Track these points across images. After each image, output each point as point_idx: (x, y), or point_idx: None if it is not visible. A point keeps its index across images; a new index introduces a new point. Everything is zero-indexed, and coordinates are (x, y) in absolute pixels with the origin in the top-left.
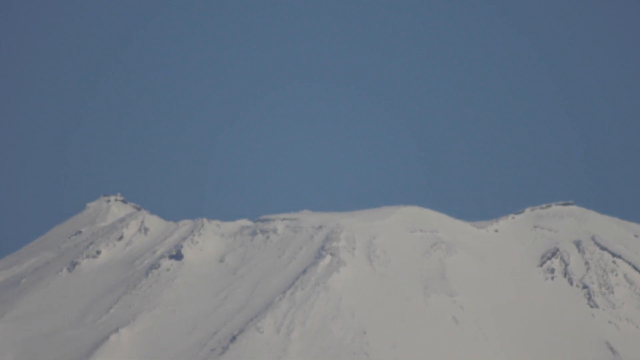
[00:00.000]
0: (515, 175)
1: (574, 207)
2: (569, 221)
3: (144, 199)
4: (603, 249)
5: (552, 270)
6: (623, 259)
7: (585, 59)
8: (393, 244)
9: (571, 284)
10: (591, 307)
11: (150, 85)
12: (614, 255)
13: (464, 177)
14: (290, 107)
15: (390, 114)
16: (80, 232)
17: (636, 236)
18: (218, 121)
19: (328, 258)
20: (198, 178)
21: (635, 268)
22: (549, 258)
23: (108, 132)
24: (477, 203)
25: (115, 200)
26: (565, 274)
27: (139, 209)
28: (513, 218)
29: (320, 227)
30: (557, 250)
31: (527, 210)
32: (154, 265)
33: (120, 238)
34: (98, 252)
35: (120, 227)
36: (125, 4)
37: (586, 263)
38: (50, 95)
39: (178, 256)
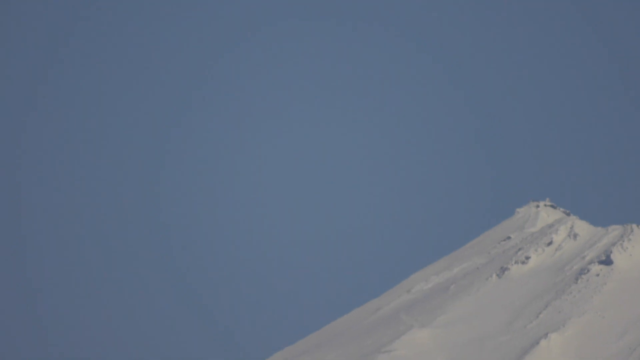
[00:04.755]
0: None
1: None
2: None
3: (573, 204)
4: None
5: None
6: None
7: None
8: None
9: None
10: None
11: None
12: None
13: None
14: None
15: None
16: (509, 237)
17: None
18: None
19: None
20: (621, 181)
21: None
22: None
23: (543, 137)
24: None
25: (545, 205)
26: None
27: (568, 214)
28: None
29: None
30: None
31: None
32: (584, 271)
33: (550, 244)
34: (527, 258)
35: (550, 232)
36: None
37: None
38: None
39: (607, 261)
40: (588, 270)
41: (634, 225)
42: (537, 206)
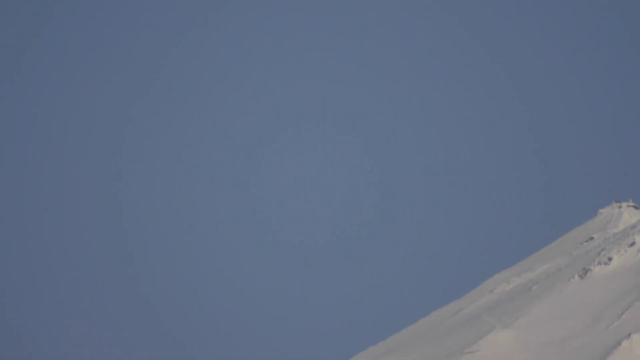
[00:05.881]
0: None
1: None
2: None
3: None
4: None
5: None
6: None
7: None
8: None
9: None
10: None
11: None
12: None
13: None
14: None
15: None
16: (592, 238)
17: None
18: None
19: None
20: None
21: None
22: None
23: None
24: None
25: (627, 206)
26: None
27: None
28: None
29: None
30: None
31: None
32: None
33: (632, 244)
34: (609, 259)
35: (632, 233)
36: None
37: None
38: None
39: None
40: None
41: None
42: (620, 207)
